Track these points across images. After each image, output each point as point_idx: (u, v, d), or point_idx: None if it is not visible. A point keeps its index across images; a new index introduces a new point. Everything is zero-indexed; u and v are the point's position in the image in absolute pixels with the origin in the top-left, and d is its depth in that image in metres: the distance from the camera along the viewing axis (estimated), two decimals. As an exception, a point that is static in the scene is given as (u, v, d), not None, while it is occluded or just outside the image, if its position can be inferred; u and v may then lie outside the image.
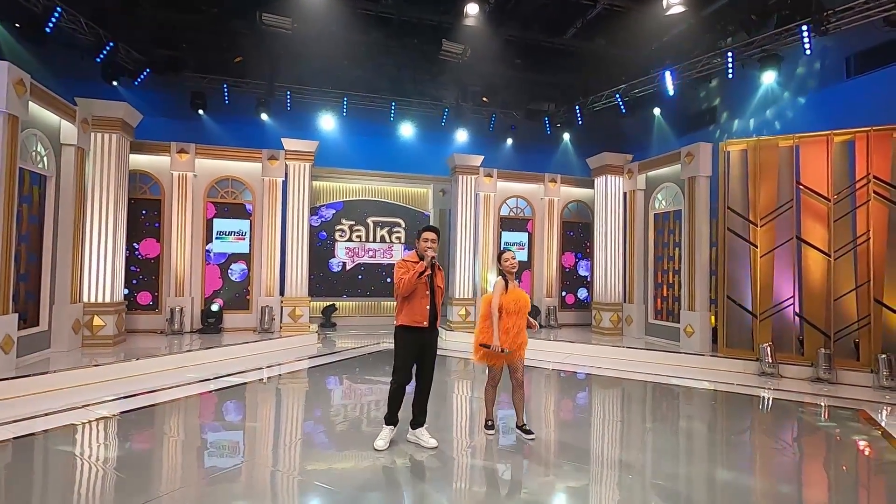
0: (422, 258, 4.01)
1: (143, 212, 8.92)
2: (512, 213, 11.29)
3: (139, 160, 8.81)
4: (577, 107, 11.48)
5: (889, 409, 5.65)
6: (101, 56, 8.55)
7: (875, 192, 6.85)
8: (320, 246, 11.84)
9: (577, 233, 11.68)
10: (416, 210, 12.54)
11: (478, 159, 10.55)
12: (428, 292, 3.99)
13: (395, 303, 4.10)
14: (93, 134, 7.55)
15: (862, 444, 4.59)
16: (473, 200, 10.50)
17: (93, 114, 7.47)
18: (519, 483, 3.58)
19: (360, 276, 11.87)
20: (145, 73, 9.44)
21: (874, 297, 6.74)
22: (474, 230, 10.48)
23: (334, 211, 12.03)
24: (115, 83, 9.17)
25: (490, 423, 4.43)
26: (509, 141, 12.95)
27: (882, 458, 4.21)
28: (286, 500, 3.31)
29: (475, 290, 10.35)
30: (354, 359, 8.03)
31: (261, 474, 3.62)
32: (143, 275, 8.89)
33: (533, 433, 4.30)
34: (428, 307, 3.98)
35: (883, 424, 5.05)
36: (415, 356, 4.04)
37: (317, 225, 11.87)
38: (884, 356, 6.44)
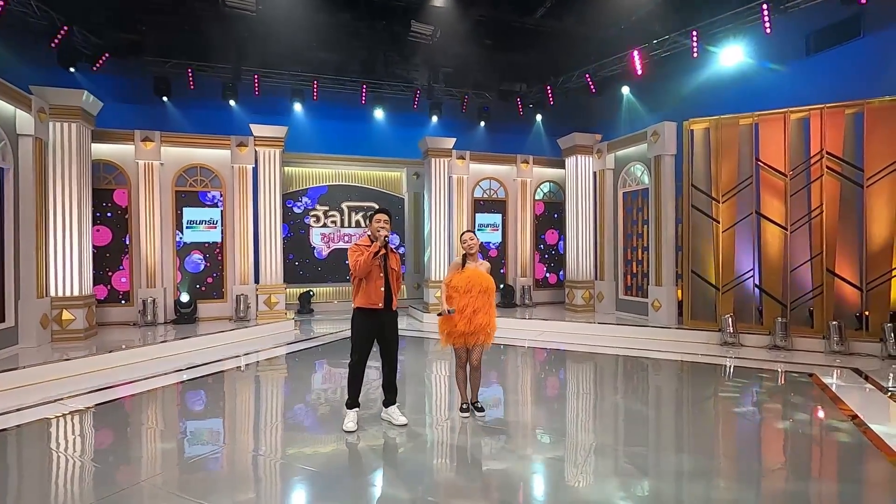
0: (375, 241, 4.07)
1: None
2: (485, 195, 11.38)
3: (102, 149, 8.55)
4: (548, 87, 11.56)
5: (839, 371, 6.04)
6: (56, 41, 8.22)
7: (828, 167, 7.16)
8: (304, 234, 11.80)
9: (562, 213, 11.81)
10: (390, 194, 12.52)
11: (450, 142, 10.57)
12: (382, 274, 4.06)
13: None
14: (51, 123, 7.29)
15: (812, 405, 4.92)
16: (447, 183, 10.55)
17: (50, 102, 7.21)
18: (496, 457, 3.73)
19: (345, 261, 11.89)
20: (104, 59, 9.11)
21: (827, 267, 7.11)
22: (448, 213, 10.56)
23: (319, 195, 11.97)
24: (72, 69, 8.84)
25: (465, 406, 4.43)
26: (482, 123, 12.97)
27: (830, 418, 4.53)
28: (268, 482, 3.40)
29: (451, 272, 10.46)
30: (332, 344, 8.10)
31: (242, 458, 3.70)
32: (94, 268, 8.30)
33: (484, 410, 4.42)
34: (382, 289, 4.06)
35: (833, 387, 5.40)
36: (371, 338, 4.12)
37: (300, 211, 11.81)
38: (835, 323, 6.84)
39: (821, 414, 4.66)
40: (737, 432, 4.33)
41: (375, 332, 4.13)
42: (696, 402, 5.22)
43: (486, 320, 4.17)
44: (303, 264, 11.70)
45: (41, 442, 4.04)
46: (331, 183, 12.10)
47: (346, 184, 12.18)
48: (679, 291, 8.63)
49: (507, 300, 10.89)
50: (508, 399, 5.12)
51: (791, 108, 7.44)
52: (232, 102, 10.91)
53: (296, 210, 11.77)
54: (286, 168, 11.38)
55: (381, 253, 4.00)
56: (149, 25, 9.24)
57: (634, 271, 9.59)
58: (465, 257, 4.34)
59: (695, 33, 8.85)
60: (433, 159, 10.43)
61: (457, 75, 11.88)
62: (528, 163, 11.45)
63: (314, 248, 11.85)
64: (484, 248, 11.25)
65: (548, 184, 11.83)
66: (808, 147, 7.38)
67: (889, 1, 7.34)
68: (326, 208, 11.97)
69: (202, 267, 9.24)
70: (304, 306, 11.27)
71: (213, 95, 10.81)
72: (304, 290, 11.47)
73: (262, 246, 9.41)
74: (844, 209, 7.11)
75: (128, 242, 8.80)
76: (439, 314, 4.30)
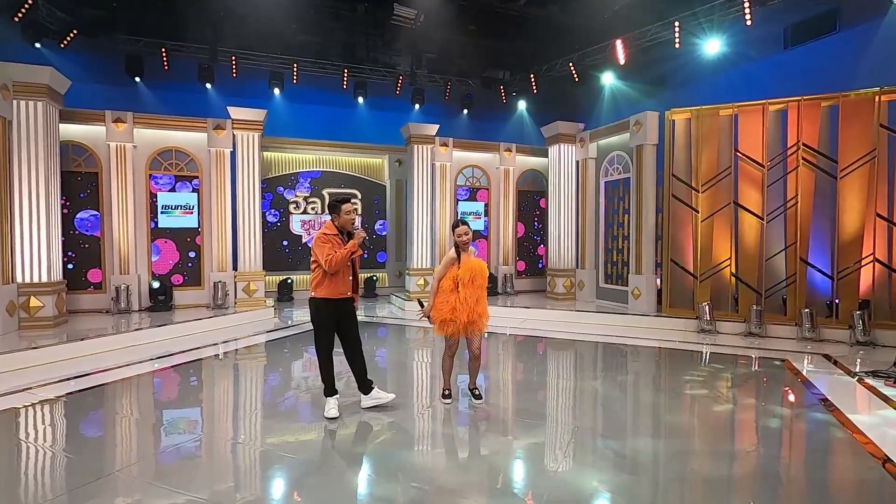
0: (340, 230, 3.97)
1: None
2: (468, 183, 11.34)
3: (71, 130, 8.20)
4: (531, 75, 11.52)
5: (810, 357, 6.23)
6: (20, 14, 7.83)
7: (804, 158, 7.31)
8: (286, 220, 11.65)
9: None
10: (372, 181, 12.38)
11: (433, 128, 10.45)
12: (349, 264, 3.98)
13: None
14: (15, 102, 6.96)
15: (785, 389, 5.06)
16: (430, 170, 10.45)
17: (14, 79, 6.86)
18: (478, 443, 3.74)
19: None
20: (72, 35, 8.72)
21: (800, 256, 7.30)
22: (431, 200, 10.48)
23: (310, 179, 11.79)
24: (38, 45, 8.45)
25: (447, 392, 4.43)
26: (465, 110, 12.88)
27: (801, 402, 4.67)
28: (248, 471, 3.34)
29: (433, 260, 10.43)
30: (311, 332, 7.98)
31: (220, 447, 3.62)
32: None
33: (482, 398, 4.41)
34: (350, 278, 4.00)
35: (804, 372, 5.57)
36: (334, 326, 4.04)
37: (291, 198, 11.64)
38: (807, 310, 7.03)
39: (793, 397, 4.80)
40: (712, 416, 4.43)
41: (336, 319, 4.04)
42: (673, 387, 5.31)
43: (483, 309, 4.18)
44: (294, 251, 11.58)
45: (9, 432, 3.88)
46: (311, 168, 11.90)
47: (329, 170, 12.01)
48: (658, 280, 8.76)
49: (490, 288, 10.91)
50: (491, 385, 5.14)
51: (769, 100, 7.55)
52: (208, 85, 10.60)
53: (287, 197, 11.62)
54: (265, 153, 11.14)
55: (358, 254, 3.92)
56: (120, 2, 8.87)
57: (615, 260, 9.70)
58: (457, 249, 4.27)
59: (677, 24, 8.90)
60: (416, 146, 10.32)
61: (440, 62, 11.75)
62: (511, 151, 11.43)
63: (299, 235, 11.71)
64: (479, 235, 11.29)
65: (529, 172, 11.82)
66: (785, 138, 7.52)
67: (862, -3, 7.51)
68: (306, 194, 11.79)
69: (156, 256, 8.92)
70: (284, 294, 11.13)
71: (189, 77, 10.49)
72: (283, 277, 11.32)
73: (240, 232, 9.20)
74: (818, 200, 7.28)
75: (81, 228, 8.45)
76: (420, 308, 4.30)
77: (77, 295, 8.29)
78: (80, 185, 8.38)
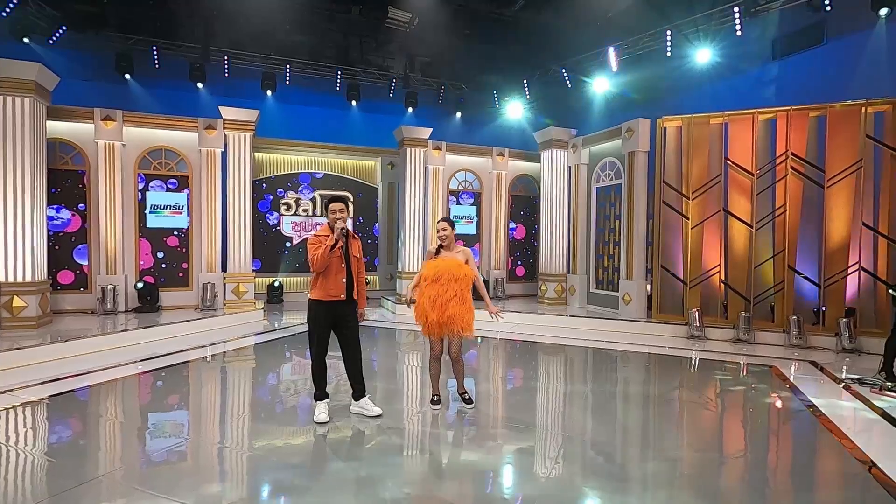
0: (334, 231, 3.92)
1: None
2: (461, 187, 11.34)
3: (59, 127, 8.08)
4: (525, 80, 11.56)
5: (797, 364, 6.29)
6: (8, 10, 7.71)
7: (792, 167, 7.41)
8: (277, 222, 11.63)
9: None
10: (364, 183, 12.35)
11: (426, 132, 10.45)
12: (343, 265, 3.89)
13: None
14: (2, 98, 6.84)
15: (773, 395, 5.10)
16: (422, 174, 10.44)
17: (0, 75, 6.75)
18: (468, 449, 3.72)
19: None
20: (61, 31, 8.60)
21: (788, 264, 7.38)
22: (423, 204, 10.47)
23: (312, 180, 11.78)
24: (26, 40, 8.31)
25: (436, 398, 4.35)
26: (458, 114, 12.89)
27: (789, 408, 4.71)
28: (234, 476, 3.29)
29: (425, 263, 10.40)
30: (303, 334, 7.92)
31: (207, 451, 3.56)
32: None
33: (472, 402, 4.37)
34: (344, 280, 3.90)
35: (791, 379, 5.62)
36: (329, 329, 3.99)
37: (284, 199, 11.61)
38: (794, 317, 7.11)
39: (780, 404, 4.84)
40: (701, 421, 4.45)
41: (333, 323, 3.99)
42: (662, 393, 5.33)
43: (459, 310, 4.02)
44: (292, 251, 11.54)
45: (-11, 435, 3.80)
46: (305, 170, 11.85)
47: (321, 172, 11.96)
48: (648, 286, 8.81)
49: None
50: (480, 390, 5.12)
51: (759, 109, 7.65)
52: (199, 84, 10.50)
53: (285, 199, 11.58)
54: (255, 154, 11.06)
55: (338, 245, 3.82)
56: (110, -1, 8.78)
57: (606, 265, 9.74)
58: (439, 246, 4.26)
59: (669, 32, 8.99)
60: (409, 149, 10.30)
61: (434, 65, 11.77)
62: (503, 155, 11.46)
63: (290, 236, 11.64)
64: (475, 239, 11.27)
65: (522, 177, 11.86)
66: (774, 147, 7.61)
67: (849, 11, 7.63)
68: (299, 197, 11.73)
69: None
70: (274, 296, 11.04)
71: (180, 76, 10.38)
72: (271, 280, 11.25)
73: (230, 233, 9.11)
74: (806, 208, 7.38)
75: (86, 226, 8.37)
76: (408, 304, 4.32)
77: (62, 295, 8.15)
78: (51, 181, 7.92)
